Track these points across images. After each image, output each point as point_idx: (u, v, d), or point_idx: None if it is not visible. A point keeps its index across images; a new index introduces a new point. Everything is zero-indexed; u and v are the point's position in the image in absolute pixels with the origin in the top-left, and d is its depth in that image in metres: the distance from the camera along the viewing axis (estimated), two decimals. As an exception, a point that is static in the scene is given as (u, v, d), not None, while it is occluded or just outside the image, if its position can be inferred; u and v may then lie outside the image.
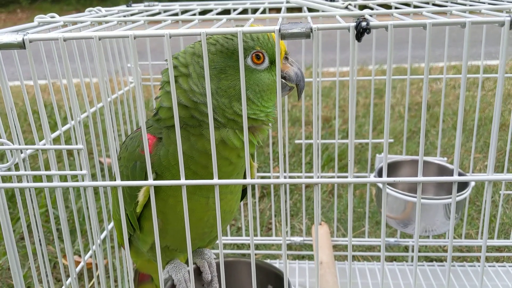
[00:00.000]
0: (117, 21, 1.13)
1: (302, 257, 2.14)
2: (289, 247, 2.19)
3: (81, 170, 0.98)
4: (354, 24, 0.82)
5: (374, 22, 0.82)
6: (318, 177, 0.93)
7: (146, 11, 1.48)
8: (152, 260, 1.29)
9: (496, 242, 2.00)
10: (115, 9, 1.48)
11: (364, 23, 0.82)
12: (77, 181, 2.31)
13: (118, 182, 0.94)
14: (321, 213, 2.52)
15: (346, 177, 0.93)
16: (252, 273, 0.97)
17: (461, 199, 1.58)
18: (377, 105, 4.33)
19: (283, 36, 0.82)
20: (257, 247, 2.25)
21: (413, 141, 3.53)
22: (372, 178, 0.91)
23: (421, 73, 4.48)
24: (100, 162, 1.46)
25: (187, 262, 1.40)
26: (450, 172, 1.75)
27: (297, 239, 2.01)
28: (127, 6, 1.50)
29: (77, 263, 1.38)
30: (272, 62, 1.02)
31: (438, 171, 1.77)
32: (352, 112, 0.88)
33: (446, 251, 2.20)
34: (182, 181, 0.92)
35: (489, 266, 1.94)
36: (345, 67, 5.44)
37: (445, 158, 1.81)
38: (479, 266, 1.94)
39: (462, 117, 0.88)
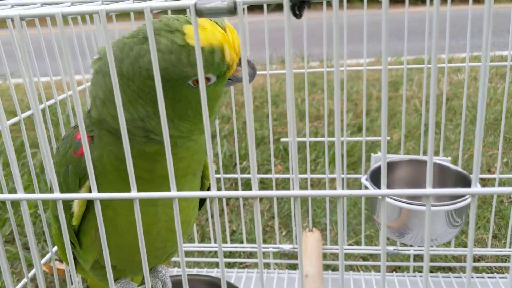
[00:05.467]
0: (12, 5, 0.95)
1: (295, 267, 1.96)
2: (280, 255, 2.03)
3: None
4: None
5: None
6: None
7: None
8: (96, 279, 1.13)
9: (507, 251, 1.79)
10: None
11: (301, -6, 0.63)
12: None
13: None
14: (316, 217, 2.34)
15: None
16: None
17: (461, 206, 1.37)
18: (391, 98, 4.10)
19: (200, 13, 0.65)
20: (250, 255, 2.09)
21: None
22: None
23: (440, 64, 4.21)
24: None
25: (141, 280, 1.25)
26: (451, 173, 1.55)
27: (286, 246, 1.83)
28: None
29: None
30: (219, 77, 0.85)
31: (439, 172, 1.57)
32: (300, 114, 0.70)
33: (454, 259, 2.00)
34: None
35: (500, 277, 1.73)
36: (361, 59, 5.21)
37: (449, 158, 1.60)
38: (489, 277, 1.73)
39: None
